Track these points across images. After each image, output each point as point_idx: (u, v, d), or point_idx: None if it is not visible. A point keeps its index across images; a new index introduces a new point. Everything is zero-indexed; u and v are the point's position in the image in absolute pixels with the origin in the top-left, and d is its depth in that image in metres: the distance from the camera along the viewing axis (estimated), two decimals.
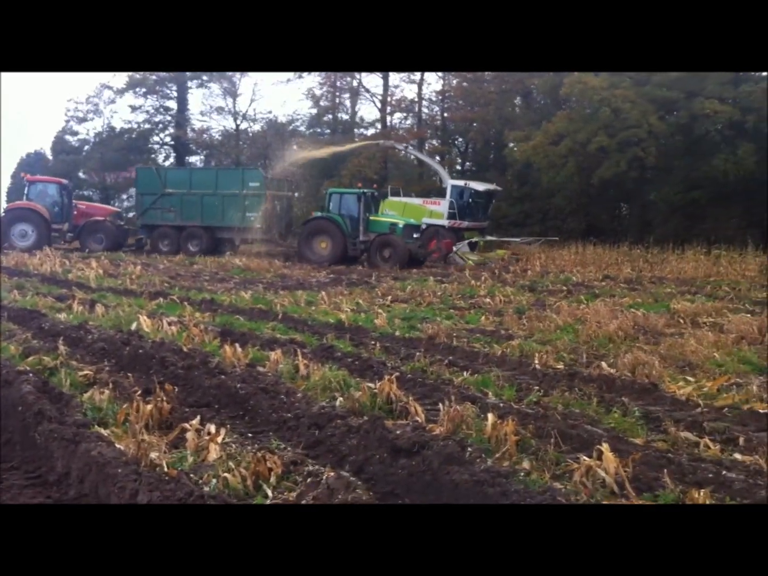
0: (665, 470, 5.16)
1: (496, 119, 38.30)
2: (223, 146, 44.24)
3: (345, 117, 48.09)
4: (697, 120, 29.91)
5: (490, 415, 6.08)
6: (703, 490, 4.68)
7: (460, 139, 42.18)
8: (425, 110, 44.77)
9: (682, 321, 12.44)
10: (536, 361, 8.95)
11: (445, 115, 43.75)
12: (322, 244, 26.23)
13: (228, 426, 6.34)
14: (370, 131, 45.93)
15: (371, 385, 7.31)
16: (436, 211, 30.09)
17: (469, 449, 5.39)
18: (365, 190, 26.90)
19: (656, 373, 8.35)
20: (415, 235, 26.05)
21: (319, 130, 47.36)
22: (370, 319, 12.30)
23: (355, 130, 46.63)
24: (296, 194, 33.02)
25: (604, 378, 8.15)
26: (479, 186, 30.76)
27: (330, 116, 47.57)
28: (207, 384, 7.52)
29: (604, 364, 8.78)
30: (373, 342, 10.22)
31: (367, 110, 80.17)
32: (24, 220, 29.20)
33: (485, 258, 27.62)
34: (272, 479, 5.07)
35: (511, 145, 35.80)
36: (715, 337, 10.43)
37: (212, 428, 6.00)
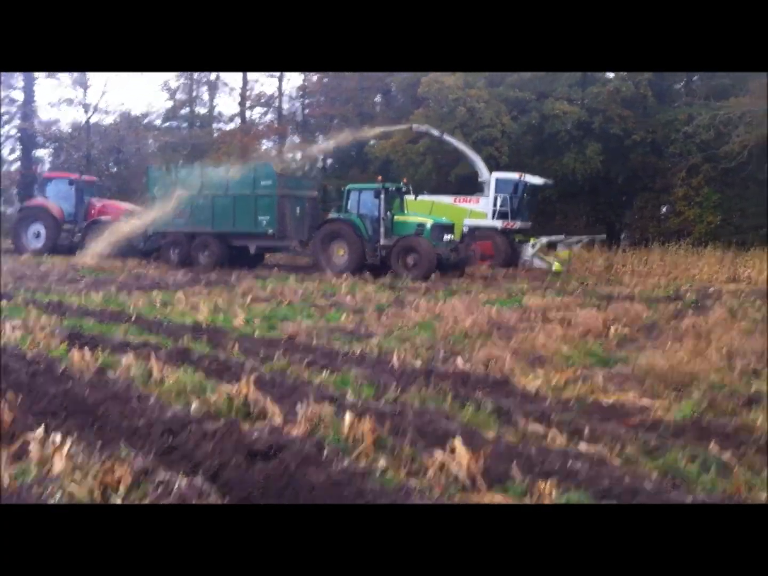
0: (514, 462, 5.33)
1: (355, 116, 38.56)
2: (73, 139, 42.24)
3: (203, 111, 47.12)
4: (547, 120, 31.23)
5: (347, 414, 6.10)
6: (549, 480, 4.86)
7: (321, 136, 42.11)
8: (285, 105, 44.53)
9: (533, 316, 12.93)
10: (395, 359, 9.06)
11: (306, 111, 43.61)
12: (340, 251, 22.49)
13: (75, 435, 6.06)
14: (230, 126, 45.22)
15: (229, 387, 7.19)
16: (476, 210, 25.80)
17: (326, 449, 5.39)
18: (387, 185, 22.65)
19: (508, 368, 8.62)
20: (446, 237, 21.84)
21: (175, 123, 46.18)
22: (228, 320, 12.09)
23: (214, 124, 45.78)
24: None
25: (459, 374, 8.34)
26: (536, 180, 26.38)
27: (187, 109, 46.48)
28: (53, 391, 7.14)
29: (459, 360, 8.99)
30: (231, 343, 10.05)
31: (226, 104, 78.68)
32: (37, 220, 26.26)
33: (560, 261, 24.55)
34: (121, 489, 4.88)
35: (372, 142, 36.12)
36: (563, 331, 10.89)
37: (57, 438, 5.72)
